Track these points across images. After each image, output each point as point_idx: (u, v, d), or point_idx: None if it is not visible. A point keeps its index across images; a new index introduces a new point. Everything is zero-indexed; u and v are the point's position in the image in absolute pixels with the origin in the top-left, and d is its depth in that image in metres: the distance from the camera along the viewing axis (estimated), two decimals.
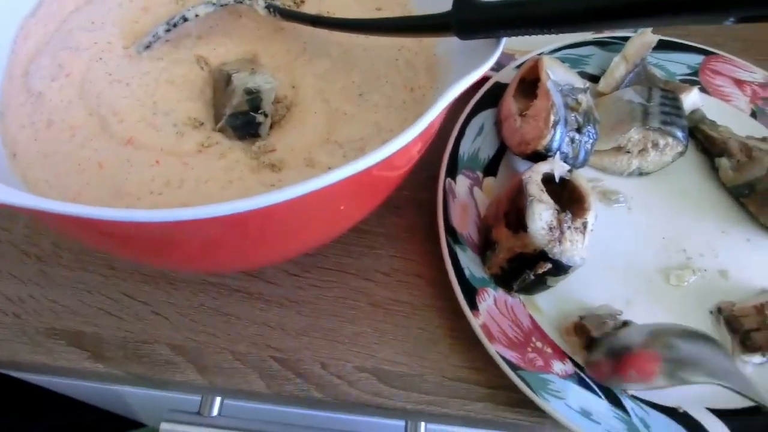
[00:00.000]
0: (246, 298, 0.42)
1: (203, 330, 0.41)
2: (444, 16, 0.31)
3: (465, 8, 0.30)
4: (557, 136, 0.41)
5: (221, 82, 0.37)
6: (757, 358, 0.40)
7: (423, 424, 0.52)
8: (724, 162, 0.45)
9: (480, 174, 0.44)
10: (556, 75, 0.42)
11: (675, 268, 0.43)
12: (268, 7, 0.38)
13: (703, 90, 0.49)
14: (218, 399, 0.52)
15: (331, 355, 0.41)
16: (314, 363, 0.41)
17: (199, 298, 0.42)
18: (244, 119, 0.36)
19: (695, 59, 0.50)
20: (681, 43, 0.50)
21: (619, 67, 0.47)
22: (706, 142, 0.47)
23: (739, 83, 0.50)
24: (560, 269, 0.38)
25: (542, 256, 0.37)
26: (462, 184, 0.43)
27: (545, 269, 0.37)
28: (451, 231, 0.41)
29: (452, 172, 0.43)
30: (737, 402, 0.38)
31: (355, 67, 0.39)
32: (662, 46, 0.50)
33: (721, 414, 0.38)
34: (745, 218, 0.46)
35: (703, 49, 0.50)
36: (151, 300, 0.42)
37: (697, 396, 0.39)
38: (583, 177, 0.41)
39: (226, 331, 0.41)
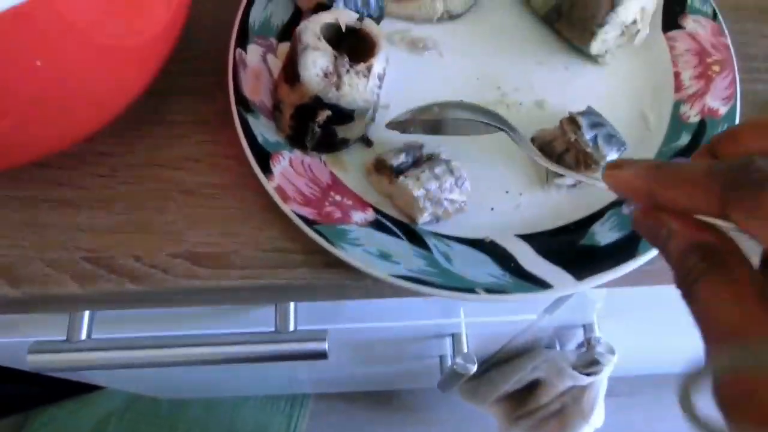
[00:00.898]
0: (54, 207, 0.41)
1: (12, 244, 0.40)
2: None
3: None
4: None
5: None
6: (569, 180, 0.39)
7: (292, 312, 0.53)
8: None
9: (274, 40, 0.42)
10: None
11: (489, 105, 0.42)
12: None
13: None
14: (85, 323, 0.52)
15: (143, 246, 0.40)
16: (127, 257, 0.40)
17: (4, 213, 0.41)
18: None
19: None
20: None
21: None
22: None
23: None
24: (342, 115, 0.36)
25: (318, 102, 0.36)
26: (254, 52, 0.41)
27: (325, 117, 0.36)
28: (242, 101, 0.39)
29: (242, 43, 0.41)
30: (545, 226, 0.38)
31: None
32: None
33: (526, 238, 0.37)
34: (563, 46, 0.44)
35: None
36: None
37: (506, 224, 0.38)
38: (375, 24, 0.39)
39: (36, 242, 0.40)
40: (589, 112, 0.38)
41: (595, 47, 0.41)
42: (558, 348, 0.78)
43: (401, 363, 0.93)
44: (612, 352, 0.66)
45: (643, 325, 0.77)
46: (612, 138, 0.37)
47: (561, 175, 0.38)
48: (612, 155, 0.37)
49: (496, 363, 0.82)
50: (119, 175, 0.42)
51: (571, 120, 0.37)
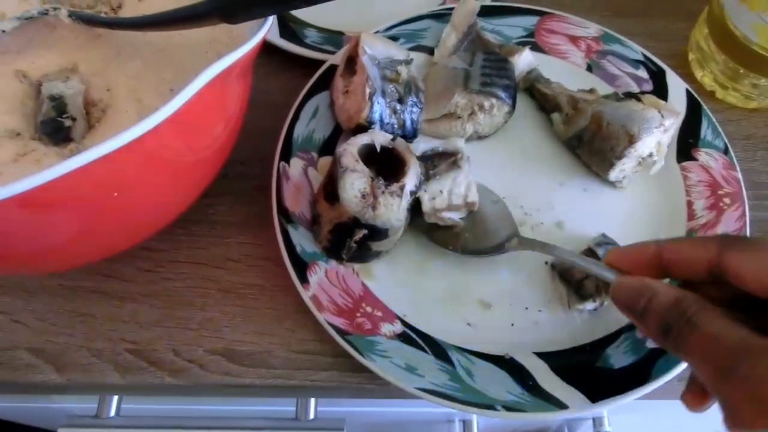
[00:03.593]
0: (101, 298, 0.44)
1: (62, 332, 0.43)
2: (205, 4, 0.32)
3: None
4: (376, 108, 0.43)
5: (35, 93, 0.39)
6: (590, 305, 0.41)
7: (312, 400, 0.54)
8: (555, 117, 0.47)
9: (315, 154, 0.45)
10: (374, 50, 0.44)
11: None
12: (71, 15, 0.39)
13: (540, 50, 0.51)
14: (114, 400, 0.54)
15: (183, 341, 0.42)
16: (167, 351, 0.42)
17: (57, 301, 0.44)
18: (54, 125, 0.37)
19: (530, 21, 0.52)
20: (514, 7, 0.52)
21: (450, 36, 0.49)
22: (542, 100, 0.48)
23: (573, 39, 0.51)
24: (378, 233, 0.39)
25: (356, 222, 0.39)
26: (296, 165, 0.44)
27: (362, 235, 0.39)
28: (284, 212, 0.42)
29: (286, 156, 0.45)
30: (562, 344, 0.40)
31: (167, 65, 0.40)
32: (495, 11, 0.51)
33: (544, 356, 0.39)
34: (581, 169, 0.47)
35: (537, 10, 0.52)
36: (10, 309, 0.43)
37: (525, 342, 0.40)
38: (406, 144, 0.42)
39: (83, 331, 0.43)
40: (605, 242, 0.41)
41: (613, 175, 0.44)
42: None
43: None
44: None
45: (655, 420, 0.78)
46: None
47: (583, 300, 0.40)
48: None
49: None
50: (163, 270, 0.45)
51: (590, 251, 0.40)
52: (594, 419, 0.75)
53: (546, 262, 0.43)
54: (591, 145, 0.45)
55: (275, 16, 0.52)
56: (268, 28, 0.34)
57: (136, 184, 0.32)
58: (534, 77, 0.49)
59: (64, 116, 0.37)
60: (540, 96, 0.48)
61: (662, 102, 0.44)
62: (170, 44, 0.41)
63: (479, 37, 0.49)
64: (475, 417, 0.71)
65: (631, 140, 0.42)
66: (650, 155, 0.44)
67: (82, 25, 0.40)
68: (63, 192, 0.28)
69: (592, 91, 0.46)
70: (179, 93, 0.30)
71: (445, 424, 0.77)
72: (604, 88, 0.48)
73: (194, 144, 0.35)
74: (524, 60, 0.48)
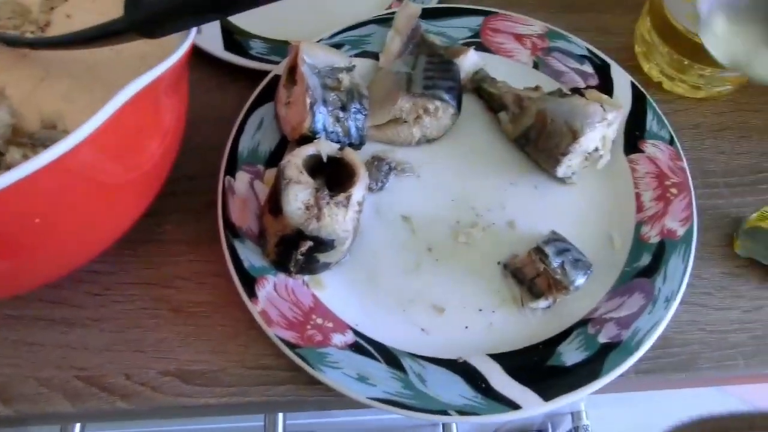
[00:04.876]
0: (49, 325, 0.43)
1: (7, 363, 0.42)
2: (121, 21, 0.32)
3: (133, 10, 0.31)
4: (318, 117, 0.42)
5: None
6: (543, 303, 0.41)
7: (280, 415, 0.54)
8: (503, 116, 0.47)
9: (261, 167, 0.45)
10: (315, 58, 0.44)
11: (465, 226, 0.44)
12: None
13: (486, 50, 0.51)
14: (77, 426, 0.53)
15: (134, 364, 0.42)
16: (118, 375, 0.41)
17: (1, 332, 0.43)
18: None
19: (475, 21, 0.51)
20: (458, 8, 0.52)
21: (394, 41, 0.49)
22: (489, 100, 0.48)
23: (519, 38, 0.51)
24: (323, 245, 0.39)
25: (300, 234, 0.38)
26: (242, 179, 0.44)
27: (307, 247, 0.38)
28: (230, 227, 0.42)
29: (231, 170, 0.44)
30: (515, 344, 0.40)
31: (98, 83, 0.40)
32: (440, 13, 0.51)
33: (497, 357, 0.39)
34: (532, 167, 0.47)
35: (482, 10, 0.52)
36: None
37: (479, 345, 0.40)
38: (354, 153, 0.42)
39: (30, 360, 0.42)
40: (554, 239, 0.40)
41: (561, 171, 0.44)
42: None
43: None
44: None
45: (631, 412, 0.78)
46: (578, 262, 0.40)
47: (536, 299, 0.40)
48: (580, 279, 0.39)
49: None
50: (111, 293, 0.44)
51: (538, 250, 0.40)
52: (572, 414, 0.75)
53: (498, 263, 0.43)
54: (537, 142, 0.45)
55: (216, 27, 0.51)
56: (190, 42, 0.34)
57: (61, 208, 0.31)
58: (480, 77, 0.49)
59: None
60: (487, 96, 0.48)
61: (605, 96, 0.44)
62: (100, 61, 0.40)
63: (424, 40, 0.49)
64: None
65: (575, 136, 0.42)
66: (596, 150, 0.44)
67: (4, 47, 0.39)
68: None
69: (537, 88, 0.46)
70: (101, 109, 0.29)
71: (430, 427, 0.77)
72: (550, 85, 0.48)
73: (124, 163, 0.34)
74: (469, 60, 0.48)
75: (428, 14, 0.51)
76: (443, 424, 0.74)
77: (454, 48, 0.49)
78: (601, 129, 0.43)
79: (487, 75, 0.49)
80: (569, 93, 0.45)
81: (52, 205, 0.30)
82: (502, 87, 0.47)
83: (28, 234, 0.30)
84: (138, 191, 0.37)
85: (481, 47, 0.51)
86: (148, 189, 0.38)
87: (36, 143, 0.38)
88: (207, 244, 0.45)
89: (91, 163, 0.31)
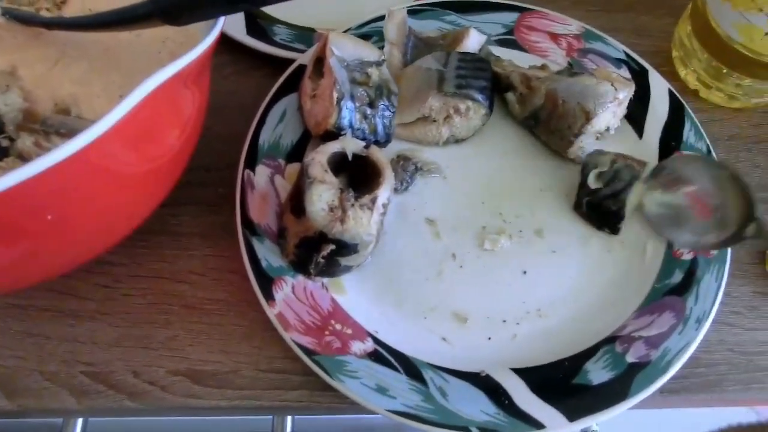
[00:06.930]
0: (56, 317, 0.41)
1: (12, 354, 0.40)
2: (142, 5, 0.30)
3: None
4: (345, 113, 0.40)
5: None
6: None
7: (289, 417, 0.53)
8: (509, 96, 0.45)
9: (282, 161, 0.43)
10: (343, 50, 0.42)
11: (491, 232, 0.43)
12: (5, 13, 0.36)
13: (519, 48, 0.49)
14: (79, 421, 0.52)
15: (143, 362, 0.40)
16: (126, 372, 0.40)
17: (6, 321, 0.41)
18: None
19: (509, 17, 0.49)
20: (493, 3, 0.50)
21: (392, 54, 0.46)
22: (495, 80, 0.45)
23: (554, 37, 0.49)
24: (346, 248, 0.37)
25: (323, 237, 0.36)
26: (261, 174, 0.42)
27: (329, 250, 0.37)
28: (248, 224, 0.40)
29: (251, 163, 0.42)
30: (540, 360, 0.38)
31: (115, 67, 0.38)
32: (473, 7, 0.49)
33: (521, 372, 0.37)
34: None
35: (517, 6, 0.50)
36: None
37: (503, 358, 0.39)
38: (380, 153, 0.40)
39: (35, 353, 0.40)
40: None
41: (572, 152, 0.43)
42: None
43: None
44: None
45: (641, 417, 0.77)
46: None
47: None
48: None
49: None
50: (122, 286, 0.42)
51: None
52: None
53: (524, 272, 0.42)
54: (548, 124, 0.44)
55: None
56: (219, 30, 0.32)
57: (79, 199, 0.29)
58: (484, 56, 0.46)
59: (2, 135, 0.34)
60: (492, 75, 0.46)
61: (614, 74, 0.43)
62: (119, 43, 0.38)
63: (418, 38, 0.47)
64: None
65: (588, 117, 0.41)
66: (607, 129, 0.43)
67: (18, 24, 0.37)
68: None
69: (543, 67, 0.45)
70: (124, 100, 0.27)
71: None
72: None
73: (145, 154, 0.32)
74: (473, 41, 0.46)
75: (461, 8, 0.49)
76: None
77: (453, 33, 0.47)
78: (613, 108, 0.42)
79: (490, 52, 0.47)
80: (579, 72, 0.43)
81: (69, 197, 0.29)
82: (508, 66, 0.46)
83: (44, 226, 0.28)
84: (158, 182, 0.35)
85: (514, 45, 0.48)
86: (167, 180, 0.36)
87: (48, 130, 0.36)
88: (222, 238, 0.44)
89: (113, 154, 0.29)
